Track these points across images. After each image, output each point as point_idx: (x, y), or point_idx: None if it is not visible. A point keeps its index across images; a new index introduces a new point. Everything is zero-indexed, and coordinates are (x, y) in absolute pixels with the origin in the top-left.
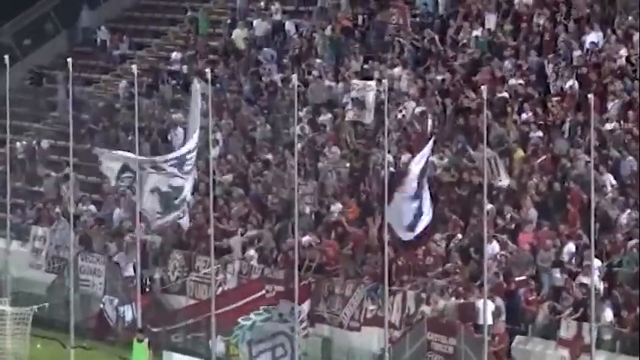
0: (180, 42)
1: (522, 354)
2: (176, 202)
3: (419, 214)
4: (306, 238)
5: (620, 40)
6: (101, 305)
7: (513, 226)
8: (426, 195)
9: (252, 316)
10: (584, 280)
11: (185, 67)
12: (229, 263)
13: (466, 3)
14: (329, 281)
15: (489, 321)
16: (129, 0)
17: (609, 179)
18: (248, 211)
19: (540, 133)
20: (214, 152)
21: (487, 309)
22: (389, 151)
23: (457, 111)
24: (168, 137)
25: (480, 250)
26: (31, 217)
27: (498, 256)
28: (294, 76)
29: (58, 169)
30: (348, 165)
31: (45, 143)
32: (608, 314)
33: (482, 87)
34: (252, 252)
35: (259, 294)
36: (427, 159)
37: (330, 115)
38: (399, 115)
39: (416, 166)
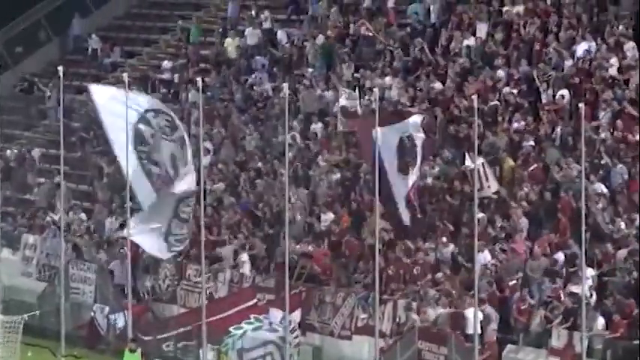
0: (172, 50)
1: None
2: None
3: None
4: (297, 247)
5: (611, 48)
6: (92, 313)
7: (504, 235)
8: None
9: (243, 325)
10: (575, 289)
11: (176, 76)
12: (220, 272)
13: (457, 12)
14: (320, 290)
15: (479, 330)
16: (120, 8)
17: (600, 188)
18: (239, 219)
19: (532, 142)
20: (205, 161)
21: (477, 318)
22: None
23: (448, 120)
24: None
25: (471, 259)
26: (22, 225)
27: (489, 265)
28: (285, 85)
29: (49, 178)
30: (339, 174)
31: (36, 152)
32: (600, 323)
33: (473, 96)
34: (244, 257)
35: (250, 302)
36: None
37: (321, 124)
38: None
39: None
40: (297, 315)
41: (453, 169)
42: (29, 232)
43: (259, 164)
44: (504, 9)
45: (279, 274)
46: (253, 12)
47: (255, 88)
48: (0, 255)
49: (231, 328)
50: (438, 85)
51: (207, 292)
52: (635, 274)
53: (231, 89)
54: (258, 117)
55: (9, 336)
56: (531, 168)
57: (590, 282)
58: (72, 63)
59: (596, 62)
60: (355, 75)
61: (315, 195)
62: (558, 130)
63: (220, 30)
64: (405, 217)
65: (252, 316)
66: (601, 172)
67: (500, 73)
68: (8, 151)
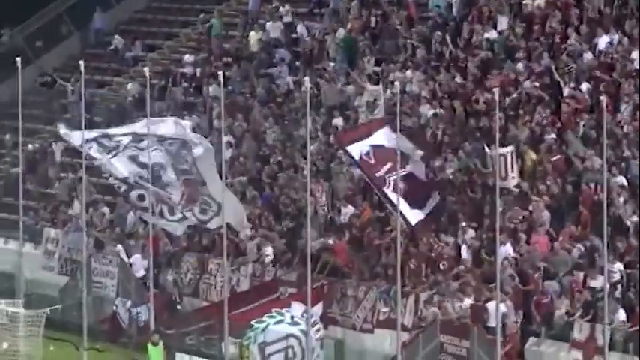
0: (193, 44)
1: (535, 355)
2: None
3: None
4: (319, 241)
5: (633, 41)
6: (114, 307)
7: (525, 227)
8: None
9: (265, 318)
10: (596, 282)
11: (198, 70)
12: (243, 265)
13: (478, 5)
14: (342, 283)
15: (501, 323)
16: (141, 2)
17: (622, 180)
18: (260, 212)
19: (553, 135)
20: (227, 154)
21: (499, 311)
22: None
23: (468, 113)
24: None
25: (493, 252)
26: (44, 219)
27: (510, 258)
28: (307, 79)
29: (71, 172)
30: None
31: (58, 146)
32: (621, 315)
33: (495, 89)
34: (268, 250)
35: (273, 296)
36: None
37: (342, 118)
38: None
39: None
40: (319, 308)
41: (474, 161)
42: (51, 226)
43: (280, 158)
44: (525, 2)
45: (301, 268)
46: (274, 5)
47: (276, 81)
48: (22, 249)
49: (253, 322)
50: (458, 79)
51: (230, 285)
52: None
53: (253, 83)
54: (279, 111)
55: (31, 330)
56: (554, 159)
57: (617, 276)
58: (93, 57)
59: (617, 55)
60: (376, 69)
61: (336, 188)
62: (580, 123)
63: (242, 24)
64: (412, 218)
65: (273, 309)
66: (622, 164)
67: (521, 66)
68: (30, 146)
